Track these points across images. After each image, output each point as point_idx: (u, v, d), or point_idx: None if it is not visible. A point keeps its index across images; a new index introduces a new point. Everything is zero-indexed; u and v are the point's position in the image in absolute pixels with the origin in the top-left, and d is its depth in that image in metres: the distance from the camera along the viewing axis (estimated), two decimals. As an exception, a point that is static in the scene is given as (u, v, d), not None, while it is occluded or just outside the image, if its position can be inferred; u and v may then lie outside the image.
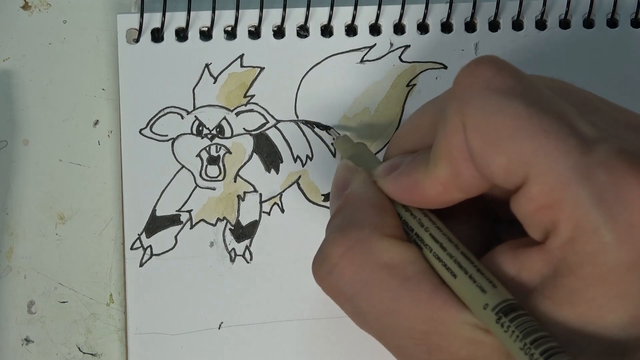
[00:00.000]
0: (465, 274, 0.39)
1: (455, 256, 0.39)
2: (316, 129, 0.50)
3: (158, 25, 0.50)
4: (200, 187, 0.49)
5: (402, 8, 0.50)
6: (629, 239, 0.35)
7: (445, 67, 0.50)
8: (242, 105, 0.50)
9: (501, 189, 0.38)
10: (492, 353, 0.38)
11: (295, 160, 0.49)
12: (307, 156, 0.49)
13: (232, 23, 0.50)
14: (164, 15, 0.50)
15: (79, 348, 0.49)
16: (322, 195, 0.49)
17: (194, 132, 0.49)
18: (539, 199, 0.36)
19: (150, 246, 0.49)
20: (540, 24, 0.51)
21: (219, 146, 0.49)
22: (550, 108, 0.37)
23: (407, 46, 0.50)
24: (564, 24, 0.51)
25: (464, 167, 0.38)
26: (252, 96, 0.50)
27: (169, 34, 0.50)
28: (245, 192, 0.49)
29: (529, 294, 0.38)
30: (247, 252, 0.49)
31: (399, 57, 0.50)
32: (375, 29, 0.50)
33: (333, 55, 0.50)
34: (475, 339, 0.38)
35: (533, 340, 0.36)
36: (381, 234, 0.40)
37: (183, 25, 0.50)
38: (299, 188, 0.49)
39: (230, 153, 0.49)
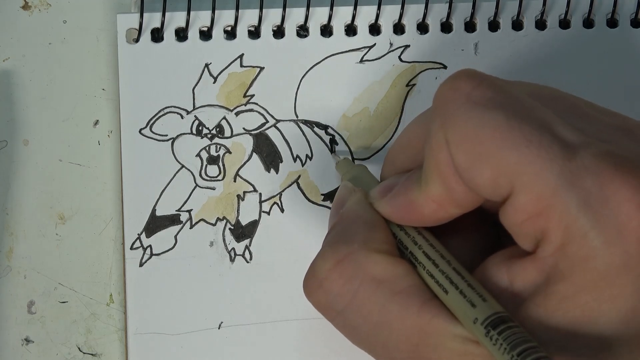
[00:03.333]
0: (456, 289, 0.39)
1: (446, 272, 0.39)
2: (315, 129, 0.50)
3: (158, 25, 0.50)
4: (200, 186, 0.49)
5: (402, 8, 0.50)
6: (617, 242, 0.35)
7: (444, 67, 0.50)
8: (241, 105, 0.50)
9: (492, 201, 0.38)
10: None
11: (294, 160, 0.49)
12: (307, 156, 0.49)
13: (232, 23, 0.50)
14: (163, 15, 0.50)
15: (79, 348, 0.49)
16: (322, 194, 0.49)
17: (194, 131, 0.50)
18: (526, 208, 0.37)
19: (150, 246, 0.49)
20: (540, 24, 0.51)
21: (218, 146, 0.49)
22: (532, 117, 0.37)
23: (407, 46, 0.50)
24: (564, 24, 0.51)
25: (455, 183, 0.38)
26: (252, 96, 0.50)
27: (169, 34, 0.50)
28: (245, 192, 0.49)
29: (522, 303, 0.38)
30: (246, 251, 0.49)
31: (399, 57, 0.50)
32: (375, 29, 0.50)
33: (333, 55, 0.50)
34: (465, 351, 0.38)
35: (520, 352, 0.36)
36: (371, 249, 0.40)
37: (183, 25, 0.50)
38: (299, 188, 0.49)
39: (230, 153, 0.49)
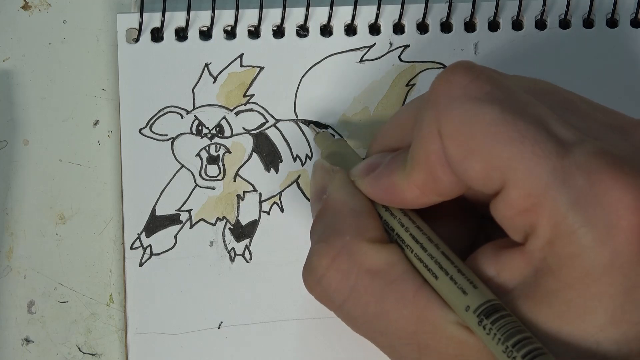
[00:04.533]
0: (446, 275, 0.39)
1: (435, 257, 0.39)
2: (313, 127, 0.50)
3: (158, 25, 0.50)
4: (199, 186, 0.49)
5: (402, 8, 0.50)
6: (606, 241, 0.35)
7: (444, 67, 0.50)
8: (241, 104, 0.50)
9: (481, 192, 0.38)
10: (479, 351, 0.38)
11: (294, 160, 0.49)
12: (307, 155, 0.49)
13: (232, 23, 0.50)
14: (163, 15, 0.50)
15: (79, 348, 0.49)
16: (322, 194, 0.49)
17: (194, 131, 0.50)
18: (517, 203, 0.37)
19: (150, 246, 0.49)
20: (540, 24, 0.51)
21: (218, 146, 0.49)
22: (528, 112, 0.37)
23: (407, 46, 0.50)
24: (564, 24, 0.51)
25: (442, 173, 0.38)
26: (252, 96, 0.50)
27: (169, 34, 0.50)
28: (244, 192, 0.49)
29: (509, 294, 0.38)
30: (246, 251, 0.49)
31: (399, 57, 0.50)
32: (374, 29, 0.50)
33: (332, 54, 0.50)
34: (460, 338, 0.38)
35: (515, 343, 0.36)
36: (363, 240, 0.41)
37: (183, 25, 0.50)
38: (299, 187, 0.49)
39: (230, 152, 0.49)
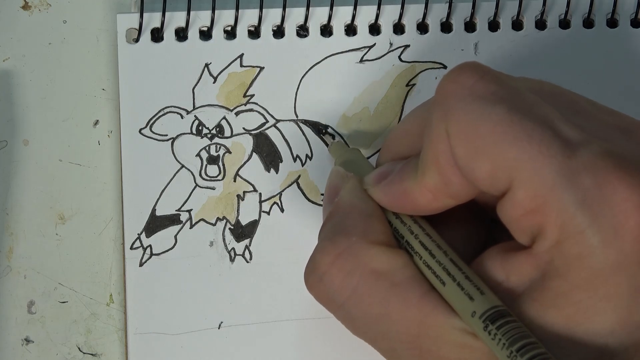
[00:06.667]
0: (453, 281, 0.39)
1: (443, 263, 0.39)
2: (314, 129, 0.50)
3: (158, 25, 0.50)
4: (200, 186, 0.49)
5: (402, 8, 0.50)
6: (614, 241, 0.35)
7: (444, 67, 0.50)
8: (241, 104, 0.50)
9: (489, 194, 0.38)
10: (481, 357, 0.38)
11: (294, 160, 0.49)
12: (307, 155, 0.49)
13: (232, 23, 0.50)
14: (163, 15, 0.50)
15: (79, 348, 0.49)
16: (322, 194, 0.49)
17: (194, 131, 0.50)
18: (524, 204, 0.37)
19: (150, 246, 0.49)
20: (540, 24, 0.51)
21: (218, 146, 0.49)
22: (534, 112, 0.37)
23: (407, 46, 0.50)
24: (564, 24, 0.51)
25: (452, 175, 0.38)
26: (252, 96, 0.50)
27: (169, 34, 0.50)
28: (244, 192, 0.49)
29: (518, 297, 0.38)
30: (246, 251, 0.49)
31: (399, 57, 0.50)
32: (374, 29, 0.50)
33: (333, 55, 0.50)
34: (464, 344, 0.38)
35: (519, 348, 0.36)
36: (369, 241, 0.40)
37: (183, 25, 0.50)
38: (299, 187, 0.49)
39: (230, 153, 0.49)
